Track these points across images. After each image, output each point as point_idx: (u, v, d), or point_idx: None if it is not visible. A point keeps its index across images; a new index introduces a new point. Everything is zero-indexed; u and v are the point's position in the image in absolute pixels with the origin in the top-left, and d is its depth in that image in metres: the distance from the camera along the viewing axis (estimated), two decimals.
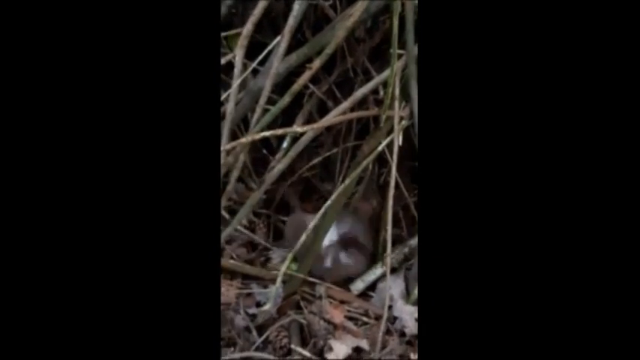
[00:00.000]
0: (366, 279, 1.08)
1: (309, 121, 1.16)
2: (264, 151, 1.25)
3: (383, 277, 1.07)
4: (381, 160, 1.17)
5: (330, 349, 0.97)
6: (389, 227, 0.90)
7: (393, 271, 1.08)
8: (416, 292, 1.06)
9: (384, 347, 0.99)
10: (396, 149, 0.94)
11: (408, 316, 1.03)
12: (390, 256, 0.92)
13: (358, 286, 1.08)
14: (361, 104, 1.13)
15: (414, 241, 1.10)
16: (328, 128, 1.25)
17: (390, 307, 1.04)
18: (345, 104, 0.99)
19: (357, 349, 1.00)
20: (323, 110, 1.16)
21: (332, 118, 0.97)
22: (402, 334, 1.02)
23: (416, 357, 0.97)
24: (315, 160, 1.20)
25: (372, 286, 1.10)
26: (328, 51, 0.97)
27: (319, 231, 1.06)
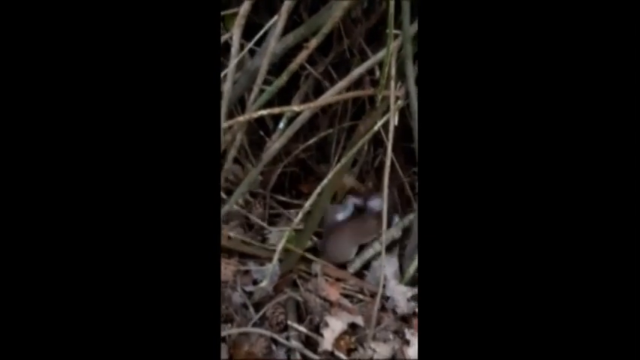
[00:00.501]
0: (362, 257, 1.10)
1: (305, 101, 1.17)
2: (261, 133, 1.26)
3: (378, 255, 1.09)
4: (377, 141, 1.18)
5: (326, 325, 0.99)
6: (385, 206, 0.91)
7: (388, 250, 1.10)
8: (410, 271, 1.07)
9: (378, 323, 1.01)
10: (391, 129, 0.95)
11: (401, 295, 1.04)
12: (385, 236, 0.93)
13: (356, 264, 1.10)
14: (357, 85, 1.14)
15: (411, 217, 1.12)
16: (324, 109, 1.26)
17: (384, 286, 1.06)
18: (342, 84, 0.99)
19: (353, 326, 1.01)
20: (319, 91, 1.17)
21: (328, 97, 0.98)
22: (395, 311, 1.04)
23: (411, 333, 0.99)
24: (311, 141, 1.21)
25: (367, 265, 1.12)
26: (325, 31, 0.98)
27: (314, 211, 1.07)
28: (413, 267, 1.08)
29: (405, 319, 1.03)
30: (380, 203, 1.09)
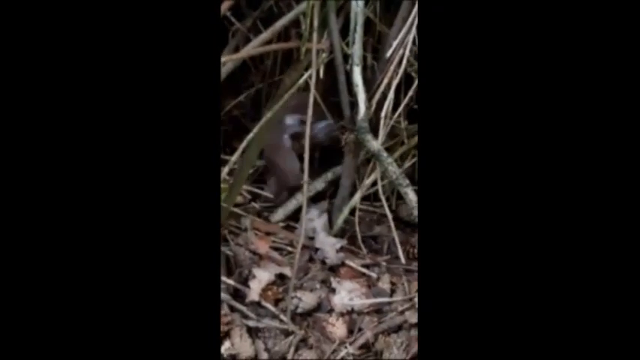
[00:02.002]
0: (286, 208, 1.11)
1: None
2: None
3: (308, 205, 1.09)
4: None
5: (254, 276, 1.00)
6: (306, 157, 0.92)
7: (316, 200, 1.12)
8: (339, 222, 1.09)
9: (306, 274, 1.03)
10: (313, 81, 0.96)
11: (329, 247, 1.07)
12: (308, 183, 0.94)
13: (279, 215, 1.11)
14: (286, 39, 1.14)
15: (337, 169, 1.13)
16: (256, 66, 1.26)
17: (312, 238, 1.08)
18: (265, 35, 0.99)
19: (281, 277, 1.03)
20: None
21: (251, 49, 0.97)
22: (324, 262, 1.07)
23: (337, 281, 1.02)
24: (241, 97, 1.21)
25: (297, 218, 1.13)
26: None
27: (244, 165, 1.07)
28: (342, 218, 1.10)
29: (332, 269, 1.06)
30: (326, 127, 1.09)
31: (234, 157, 1.02)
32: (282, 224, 1.11)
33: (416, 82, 1.05)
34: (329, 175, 1.12)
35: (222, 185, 1.04)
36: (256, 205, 1.16)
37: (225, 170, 1.01)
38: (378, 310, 0.99)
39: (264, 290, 0.99)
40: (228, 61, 0.98)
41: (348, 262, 1.06)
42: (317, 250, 1.07)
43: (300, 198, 1.05)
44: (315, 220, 1.10)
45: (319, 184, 1.12)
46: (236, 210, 1.11)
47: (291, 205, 1.10)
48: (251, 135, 1.03)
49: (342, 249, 1.08)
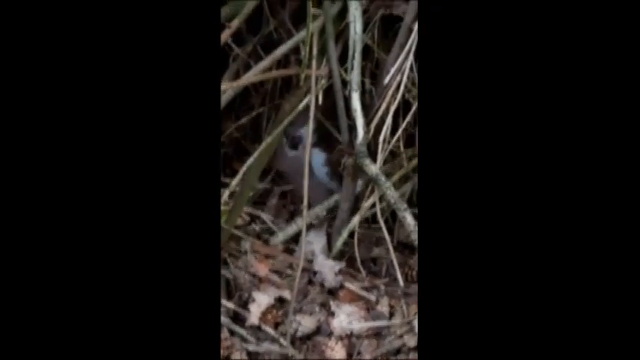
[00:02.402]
0: (285, 232, 1.12)
1: (234, 80, 1.18)
2: None
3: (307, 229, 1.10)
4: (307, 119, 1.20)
5: (253, 299, 1.01)
6: (306, 183, 0.94)
7: (315, 225, 1.13)
8: (338, 245, 1.10)
9: (305, 297, 1.04)
10: (312, 107, 0.97)
11: (328, 270, 1.07)
12: (307, 209, 0.96)
13: (278, 238, 1.12)
14: (286, 64, 1.16)
15: (338, 196, 1.14)
16: (256, 89, 1.28)
17: (311, 261, 1.09)
18: (265, 62, 1.01)
19: (281, 300, 1.04)
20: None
21: (251, 76, 0.99)
22: (324, 285, 1.07)
23: (336, 305, 1.03)
24: (243, 120, 1.22)
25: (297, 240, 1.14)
26: (246, 11, 0.99)
27: (244, 189, 1.09)
28: (341, 241, 1.11)
29: (331, 292, 1.06)
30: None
31: (234, 181, 1.03)
32: (281, 247, 1.13)
33: (414, 108, 1.07)
34: (331, 202, 1.14)
35: (222, 208, 1.05)
36: (256, 228, 1.17)
37: (225, 194, 1.03)
38: (377, 334, 1.00)
39: (264, 314, 1.00)
40: (229, 89, 1.00)
41: (347, 285, 1.07)
42: (316, 273, 1.09)
43: (299, 223, 1.07)
44: (314, 242, 1.11)
45: (320, 211, 1.13)
46: (236, 232, 1.12)
47: (290, 230, 1.12)
48: (251, 159, 1.04)
49: (340, 272, 1.09)
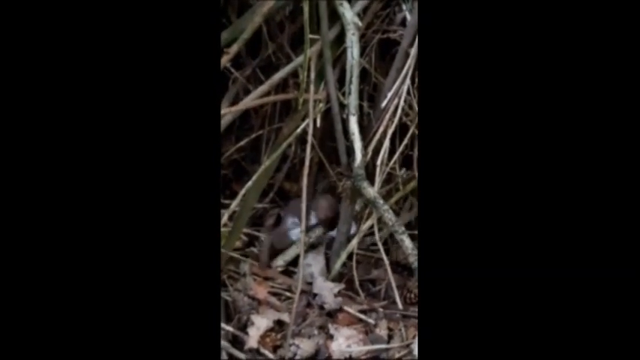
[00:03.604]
0: (285, 257, 1.12)
1: (234, 103, 1.19)
2: None
3: (306, 251, 1.11)
4: (305, 142, 1.21)
5: (252, 323, 1.01)
6: (304, 205, 0.94)
7: (314, 247, 1.13)
8: (336, 267, 1.11)
9: (304, 320, 1.04)
10: (310, 131, 0.98)
11: (327, 292, 1.08)
12: (304, 232, 0.96)
13: (279, 262, 1.12)
14: (285, 88, 1.17)
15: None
16: (256, 111, 1.29)
17: (310, 283, 1.09)
18: (263, 87, 1.02)
19: (280, 323, 1.04)
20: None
21: (249, 101, 1.00)
22: (323, 306, 1.08)
23: (334, 328, 1.03)
24: (242, 142, 1.23)
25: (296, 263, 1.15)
26: (245, 36, 1.00)
27: (242, 211, 1.09)
28: (339, 263, 1.11)
29: (330, 315, 1.07)
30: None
31: (234, 204, 1.04)
32: (280, 269, 1.13)
33: (411, 130, 1.08)
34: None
35: (222, 229, 1.06)
36: (255, 250, 1.18)
37: (225, 215, 1.03)
38: (375, 357, 1.00)
39: (263, 337, 1.00)
40: (228, 113, 1.01)
41: (346, 308, 1.07)
42: (315, 295, 1.09)
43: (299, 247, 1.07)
44: (312, 264, 1.11)
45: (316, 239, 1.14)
46: (235, 255, 1.12)
47: (290, 254, 1.12)
48: (250, 182, 1.05)
49: (339, 293, 1.09)
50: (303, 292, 1.07)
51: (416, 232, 1.14)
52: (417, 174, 1.11)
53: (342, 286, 1.10)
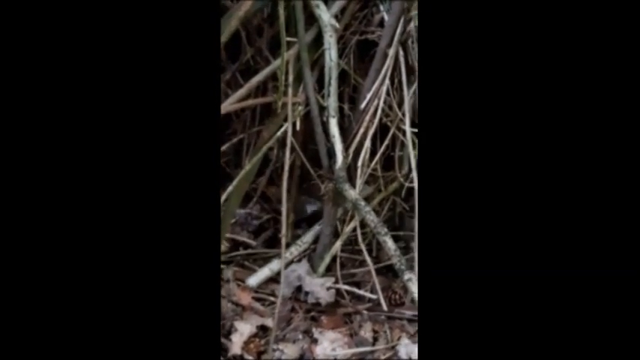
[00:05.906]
0: (261, 274, 1.09)
1: None
2: None
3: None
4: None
5: (236, 329, 1.00)
6: (284, 209, 0.94)
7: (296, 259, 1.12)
8: (320, 270, 1.10)
9: (288, 324, 1.04)
10: (289, 134, 0.98)
11: (319, 287, 1.07)
12: (286, 237, 0.96)
13: (254, 280, 1.09)
14: (265, 91, 1.16)
15: (319, 227, 1.13)
16: (237, 115, 1.28)
17: (299, 286, 1.09)
18: (242, 91, 1.01)
19: (264, 328, 1.03)
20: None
21: (228, 105, 0.99)
22: (308, 310, 1.07)
23: (319, 332, 1.02)
24: (224, 147, 1.22)
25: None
26: (223, 39, 0.99)
27: (226, 215, 1.09)
28: (323, 266, 1.11)
29: (315, 319, 1.06)
30: None
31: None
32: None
33: (391, 131, 1.08)
34: (310, 236, 1.13)
35: None
36: (238, 255, 1.17)
37: None
38: None
39: (246, 343, 1.00)
40: None
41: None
42: (307, 293, 1.08)
43: (277, 264, 1.06)
44: (297, 269, 1.10)
45: (303, 246, 1.13)
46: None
47: (267, 272, 1.09)
48: (231, 187, 1.05)
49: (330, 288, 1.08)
50: (291, 298, 1.06)
51: (400, 233, 1.16)
52: (398, 174, 1.11)
53: (332, 279, 1.09)
